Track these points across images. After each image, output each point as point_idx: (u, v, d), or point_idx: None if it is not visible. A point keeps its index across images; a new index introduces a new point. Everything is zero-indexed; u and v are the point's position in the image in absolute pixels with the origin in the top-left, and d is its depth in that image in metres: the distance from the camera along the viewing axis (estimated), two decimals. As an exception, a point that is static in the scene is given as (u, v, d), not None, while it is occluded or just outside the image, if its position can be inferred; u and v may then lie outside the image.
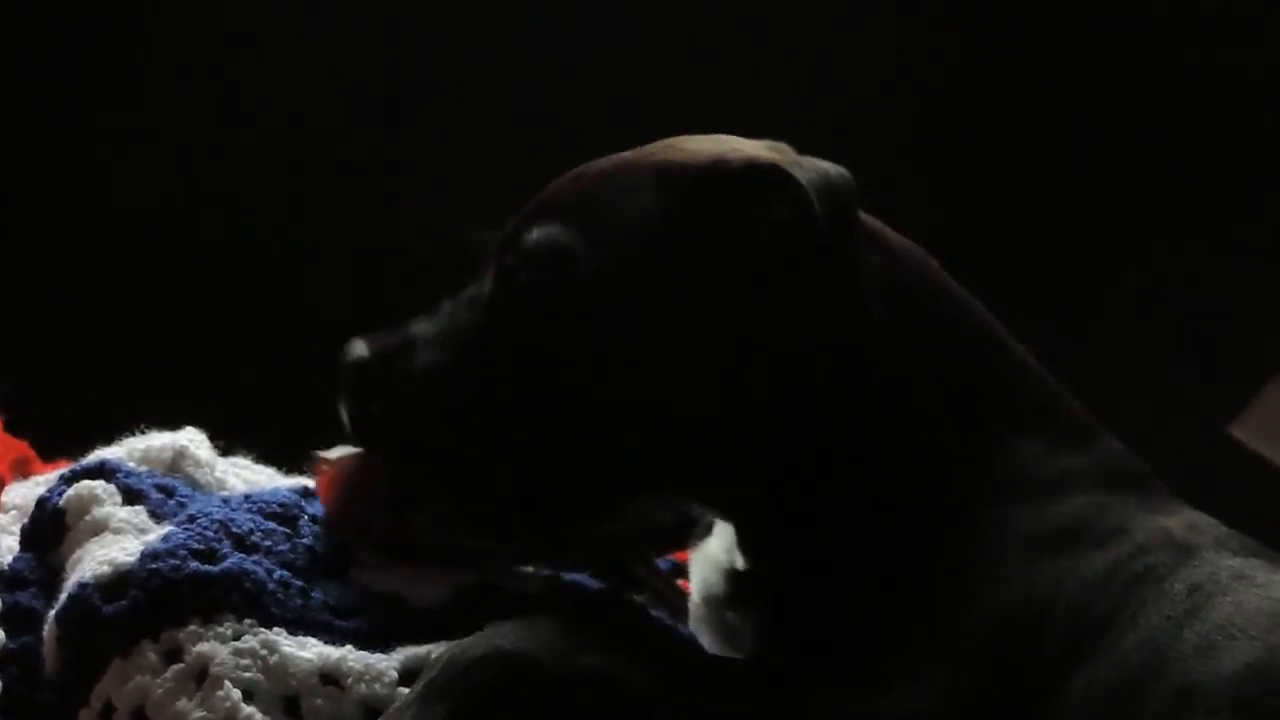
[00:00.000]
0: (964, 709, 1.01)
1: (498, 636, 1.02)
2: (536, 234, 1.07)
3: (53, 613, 1.09)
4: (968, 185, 2.01)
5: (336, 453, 1.14)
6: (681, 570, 1.31)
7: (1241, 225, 2.02)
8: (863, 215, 1.10)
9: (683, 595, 1.23)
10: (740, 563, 1.14)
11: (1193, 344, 2.00)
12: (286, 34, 2.08)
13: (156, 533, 1.10)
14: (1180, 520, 1.07)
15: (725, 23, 2.06)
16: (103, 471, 1.16)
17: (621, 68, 2.06)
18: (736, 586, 1.15)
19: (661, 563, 1.33)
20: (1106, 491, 1.08)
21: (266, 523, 1.11)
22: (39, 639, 1.10)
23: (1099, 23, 2.05)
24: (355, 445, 1.11)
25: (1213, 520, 1.09)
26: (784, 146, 1.16)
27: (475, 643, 1.02)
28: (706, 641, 1.16)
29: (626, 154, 1.13)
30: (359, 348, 1.10)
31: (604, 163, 1.12)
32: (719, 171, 1.08)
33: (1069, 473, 1.08)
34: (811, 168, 1.06)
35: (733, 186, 1.07)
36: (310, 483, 1.18)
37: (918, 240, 1.15)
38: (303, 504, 1.15)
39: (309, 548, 1.11)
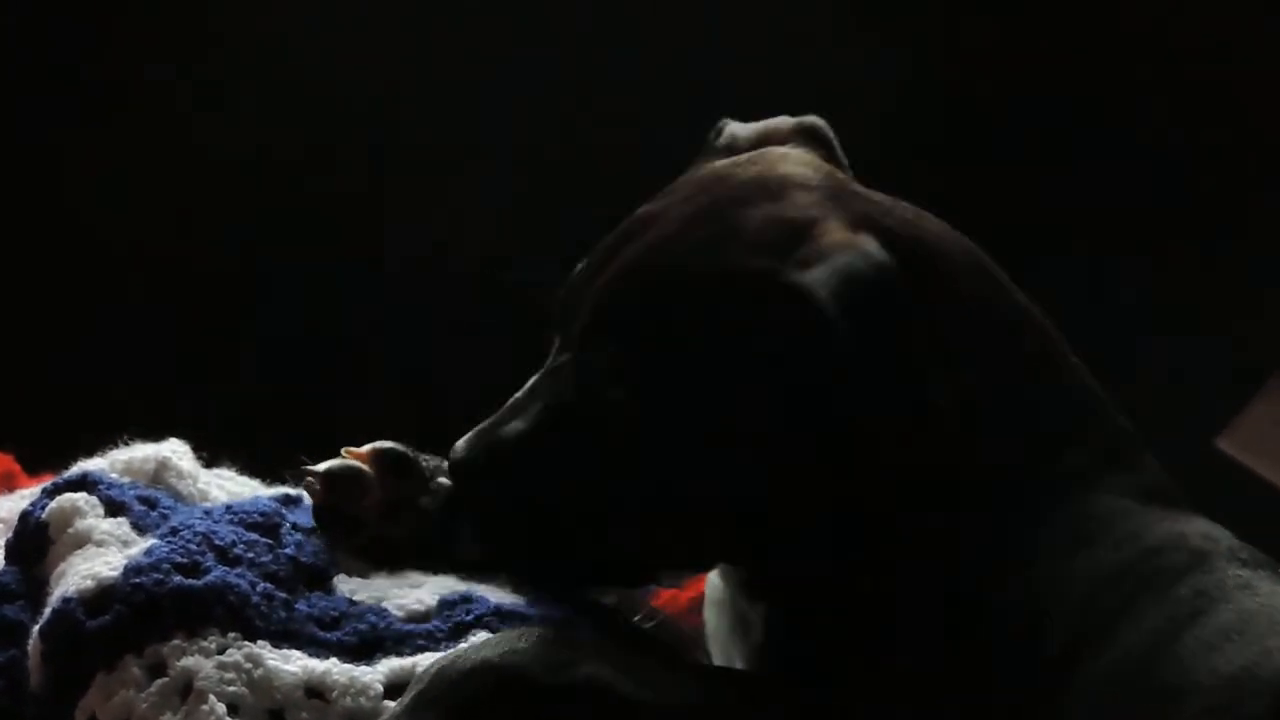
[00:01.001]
0: (971, 706, 1.01)
1: (486, 648, 1.02)
2: (606, 355, 1.11)
3: (37, 627, 1.08)
4: (955, 191, 2.01)
5: (324, 466, 1.15)
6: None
7: (1231, 238, 2.02)
8: (914, 214, 1.15)
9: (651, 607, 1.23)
10: None
11: (1181, 356, 2.00)
12: (276, 40, 2.07)
13: (139, 546, 1.10)
14: (1195, 529, 1.08)
15: (729, 29, 2.06)
16: (85, 484, 1.15)
17: (621, 73, 2.06)
18: (749, 573, 1.16)
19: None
20: (1133, 502, 1.09)
21: (249, 534, 1.11)
22: (24, 653, 1.09)
23: (1102, 31, 2.06)
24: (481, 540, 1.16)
25: (1228, 533, 1.10)
26: (826, 132, 1.23)
27: (464, 655, 1.02)
28: (719, 625, 1.19)
29: (682, 221, 1.13)
30: (461, 450, 1.15)
31: (666, 244, 1.13)
32: (771, 285, 1.08)
33: (1107, 484, 1.10)
34: (839, 271, 1.06)
35: (771, 307, 1.07)
36: (291, 490, 1.18)
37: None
38: (284, 513, 1.14)
39: (291, 558, 1.11)
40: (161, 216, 2.07)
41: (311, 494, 1.15)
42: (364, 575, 1.13)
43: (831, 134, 1.25)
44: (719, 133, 1.26)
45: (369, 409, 1.18)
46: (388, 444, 1.17)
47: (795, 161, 1.18)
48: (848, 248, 1.07)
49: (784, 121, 1.25)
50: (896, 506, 1.09)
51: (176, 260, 2.07)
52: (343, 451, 1.16)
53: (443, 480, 1.17)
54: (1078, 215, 2.05)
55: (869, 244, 1.08)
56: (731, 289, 1.09)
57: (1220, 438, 1.76)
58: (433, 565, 1.14)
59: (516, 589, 1.14)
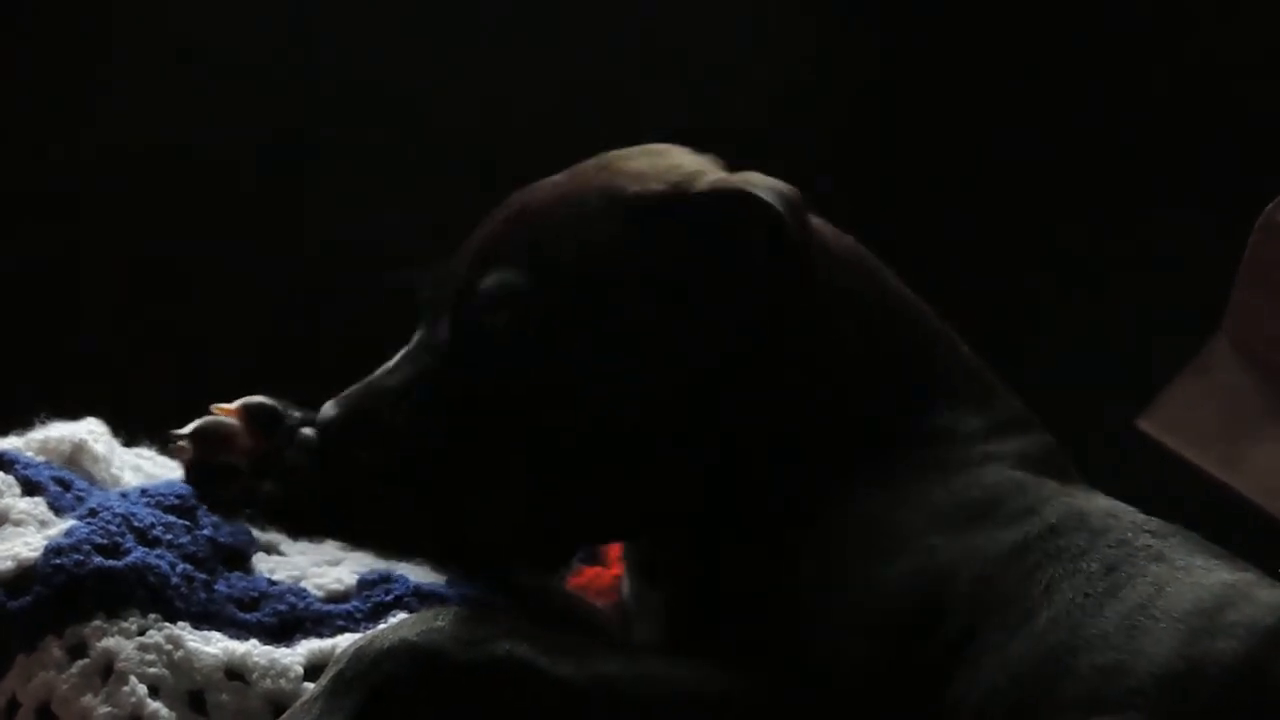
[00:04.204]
0: (865, 681, 1.02)
1: (404, 628, 1.02)
2: (491, 280, 1.11)
3: (-45, 609, 1.08)
4: (880, 184, 2.02)
5: (192, 425, 1.16)
6: (594, 555, 1.32)
7: (1155, 224, 2.03)
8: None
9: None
10: None
11: (1104, 336, 2.02)
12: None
13: (59, 526, 1.10)
14: (1096, 505, 1.09)
15: (641, 25, 2.06)
16: (1, 463, 1.15)
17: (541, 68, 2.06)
18: (643, 555, 1.18)
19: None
20: (1026, 474, 1.10)
21: (166, 516, 1.11)
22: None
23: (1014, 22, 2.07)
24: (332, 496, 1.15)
25: (1130, 507, 1.11)
26: (711, 160, 1.20)
27: (382, 634, 1.02)
28: (633, 606, 1.19)
29: (563, 179, 1.16)
30: (329, 409, 1.14)
31: (546, 192, 1.15)
32: (683, 197, 1.10)
33: (994, 454, 1.11)
34: (769, 187, 1.09)
35: (700, 213, 1.09)
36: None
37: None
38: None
39: (209, 539, 1.11)
40: (76, 194, 2.05)
41: (177, 456, 1.16)
42: (281, 555, 1.13)
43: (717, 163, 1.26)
44: None
45: (285, 392, 1.19)
46: (257, 398, 1.18)
47: (682, 155, 1.19)
48: (764, 180, 1.10)
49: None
50: (773, 470, 1.11)
51: (93, 237, 2.05)
52: (211, 408, 1.17)
53: (305, 432, 1.17)
54: (992, 190, 2.06)
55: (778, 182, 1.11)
56: (631, 212, 1.11)
57: (1140, 418, 1.78)
58: (302, 523, 1.15)
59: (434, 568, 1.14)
